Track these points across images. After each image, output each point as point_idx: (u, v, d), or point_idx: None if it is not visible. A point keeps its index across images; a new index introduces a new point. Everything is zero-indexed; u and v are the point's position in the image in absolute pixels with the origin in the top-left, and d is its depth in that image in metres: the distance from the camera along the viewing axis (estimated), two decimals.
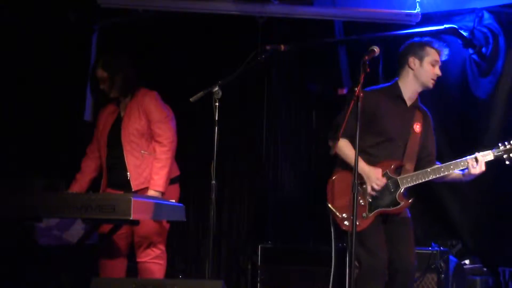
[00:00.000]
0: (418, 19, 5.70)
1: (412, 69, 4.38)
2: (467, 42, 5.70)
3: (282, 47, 4.49)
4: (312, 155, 6.34)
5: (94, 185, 4.91)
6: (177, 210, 4.30)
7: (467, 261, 5.48)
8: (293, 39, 5.87)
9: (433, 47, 4.39)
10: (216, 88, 4.13)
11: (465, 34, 5.68)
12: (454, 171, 4.31)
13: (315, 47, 6.17)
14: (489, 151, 4.29)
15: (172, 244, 5.22)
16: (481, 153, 4.28)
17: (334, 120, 4.34)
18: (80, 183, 4.86)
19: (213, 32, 6.21)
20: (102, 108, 4.96)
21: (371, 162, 4.26)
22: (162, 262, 4.78)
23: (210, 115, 4.12)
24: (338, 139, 4.05)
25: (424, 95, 5.91)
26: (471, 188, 5.70)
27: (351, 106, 3.89)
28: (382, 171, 4.25)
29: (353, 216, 3.84)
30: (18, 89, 5.62)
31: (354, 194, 3.83)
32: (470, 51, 5.74)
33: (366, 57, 3.96)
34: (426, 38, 4.50)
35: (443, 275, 5.09)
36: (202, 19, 6.05)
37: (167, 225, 4.79)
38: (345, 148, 4.24)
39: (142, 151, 4.72)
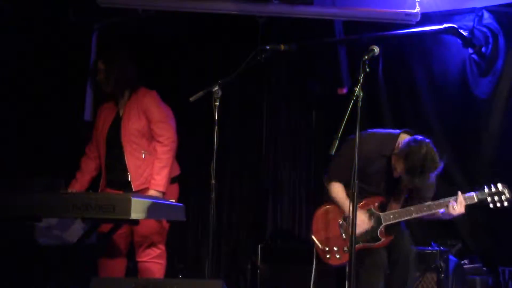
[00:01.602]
0: (418, 19, 5.70)
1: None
2: (467, 42, 5.70)
3: (282, 47, 4.49)
4: (312, 155, 6.34)
5: (94, 185, 4.91)
6: (177, 210, 4.30)
7: (466, 261, 5.48)
8: (293, 39, 5.86)
9: (403, 164, 4.17)
10: (216, 88, 4.13)
11: (464, 33, 5.68)
12: (436, 210, 4.27)
13: (315, 47, 6.17)
14: (473, 194, 4.26)
15: (172, 244, 5.21)
16: (464, 195, 4.25)
17: (333, 162, 4.35)
18: (81, 182, 4.86)
19: (213, 32, 6.21)
20: (100, 107, 4.96)
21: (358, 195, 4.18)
22: (162, 261, 4.79)
23: (210, 115, 4.12)
24: (332, 182, 4.31)
25: (424, 94, 5.95)
26: (471, 188, 5.70)
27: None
28: (367, 206, 4.31)
29: (352, 215, 3.85)
30: (18, 89, 5.62)
31: (353, 193, 3.84)
32: (470, 50, 5.74)
33: (366, 57, 3.97)
34: (411, 160, 4.15)
35: (443, 275, 5.09)
36: (202, 19, 6.05)
37: (167, 225, 4.79)
38: (338, 193, 4.34)
39: (143, 151, 4.71)
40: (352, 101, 3.91)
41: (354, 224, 3.82)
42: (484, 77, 5.68)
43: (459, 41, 5.74)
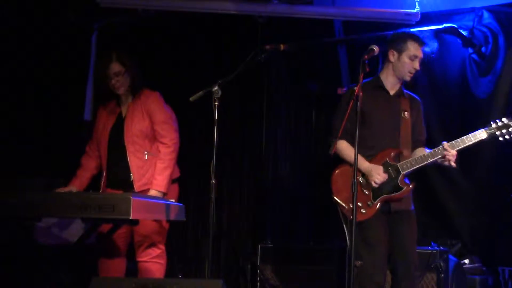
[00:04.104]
0: (418, 19, 5.71)
1: (391, 61, 4.44)
2: (467, 42, 5.70)
3: (282, 47, 4.50)
4: (312, 154, 6.34)
5: (94, 183, 4.90)
6: (177, 210, 4.31)
7: (466, 261, 5.48)
8: (293, 39, 5.87)
9: (414, 41, 4.40)
10: (216, 88, 4.13)
11: (464, 33, 5.68)
12: (452, 150, 4.31)
13: (315, 47, 6.17)
14: (482, 130, 4.31)
15: (172, 244, 5.22)
16: (473, 133, 4.31)
17: (332, 122, 4.44)
18: (81, 179, 4.83)
19: (213, 31, 6.21)
20: (101, 107, 4.94)
21: (371, 154, 4.36)
22: (162, 261, 4.78)
23: (210, 115, 4.12)
24: (337, 141, 4.18)
25: (424, 94, 5.95)
26: (471, 188, 5.71)
27: (350, 106, 3.98)
28: (382, 160, 4.34)
29: (352, 216, 3.87)
30: (18, 89, 5.62)
31: (353, 194, 3.86)
32: (470, 50, 5.74)
33: (366, 57, 3.98)
34: (410, 31, 4.50)
35: (442, 275, 5.09)
36: (202, 18, 6.05)
37: (166, 225, 4.79)
38: (346, 150, 4.37)
39: (146, 152, 4.71)
40: (352, 101, 3.93)
41: (354, 222, 3.85)
42: (484, 77, 5.68)
43: (459, 41, 5.74)
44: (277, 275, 5.61)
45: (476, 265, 5.47)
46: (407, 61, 4.39)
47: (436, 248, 5.20)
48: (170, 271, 5.24)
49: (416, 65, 4.42)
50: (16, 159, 5.47)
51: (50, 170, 5.40)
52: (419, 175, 5.85)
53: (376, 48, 4.03)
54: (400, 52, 4.39)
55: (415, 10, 5.69)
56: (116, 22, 6.07)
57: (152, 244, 4.73)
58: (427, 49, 4.47)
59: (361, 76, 3.96)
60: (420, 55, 4.41)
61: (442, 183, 5.81)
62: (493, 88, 5.60)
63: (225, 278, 5.61)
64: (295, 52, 6.04)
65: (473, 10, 5.71)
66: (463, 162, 5.71)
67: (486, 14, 5.64)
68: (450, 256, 5.24)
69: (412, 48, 4.38)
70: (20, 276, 4.85)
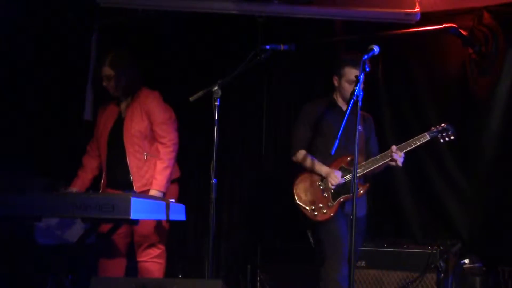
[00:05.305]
0: (418, 18, 5.70)
1: (335, 86, 4.79)
2: (467, 42, 5.70)
3: (282, 47, 4.50)
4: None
5: (95, 184, 4.90)
6: (177, 210, 4.30)
7: (466, 261, 5.47)
8: (293, 39, 5.86)
9: (350, 67, 4.63)
10: (216, 88, 4.13)
11: (464, 33, 5.68)
12: (400, 152, 4.64)
13: (315, 47, 6.17)
14: (425, 134, 4.72)
15: (172, 244, 5.22)
16: (417, 136, 4.70)
17: (294, 133, 4.81)
18: (83, 180, 4.84)
19: (213, 31, 6.21)
20: (102, 106, 4.95)
21: (329, 160, 4.65)
22: (162, 261, 4.79)
23: (210, 115, 4.12)
24: (296, 153, 4.73)
25: (423, 94, 5.95)
26: (471, 188, 5.71)
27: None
28: (339, 165, 4.67)
29: (352, 216, 3.87)
30: (18, 89, 5.62)
31: (353, 194, 3.87)
32: (470, 50, 5.73)
33: (366, 57, 3.98)
34: (345, 58, 4.69)
35: (442, 275, 5.09)
36: (202, 18, 6.05)
37: (167, 225, 4.80)
38: (305, 160, 4.73)
39: (145, 153, 4.71)
40: (352, 101, 3.93)
41: (354, 224, 3.85)
42: (484, 77, 5.67)
43: (459, 41, 5.73)
44: (277, 275, 5.62)
45: (476, 265, 5.46)
46: (346, 85, 4.68)
47: (436, 248, 5.20)
48: (170, 271, 5.24)
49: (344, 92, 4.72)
50: (16, 159, 5.46)
51: (50, 170, 5.39)
52: (420, 176, 5.88)
53: (376, 48, 4.04)
54: (340, 77, 4.72)
55: (415, 10, 5.69)
56: (116, 22, 6.07)
57: (152, 244, 4.74)
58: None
59: (361, 75, 3.97)
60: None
61: (442, 183, 5.81)
62: (493, 88, 5.59)
63: (225, 278, 5.63)
64: (295, 52, 6.03)
65: (473, 10, 5.71)
66: (463, 162, 5.74)
67: (486, 14, 5.63)
68: (450, 256, 5.24)
69: (349, 73, 4.65)
70: (20, 276, 4.85)
